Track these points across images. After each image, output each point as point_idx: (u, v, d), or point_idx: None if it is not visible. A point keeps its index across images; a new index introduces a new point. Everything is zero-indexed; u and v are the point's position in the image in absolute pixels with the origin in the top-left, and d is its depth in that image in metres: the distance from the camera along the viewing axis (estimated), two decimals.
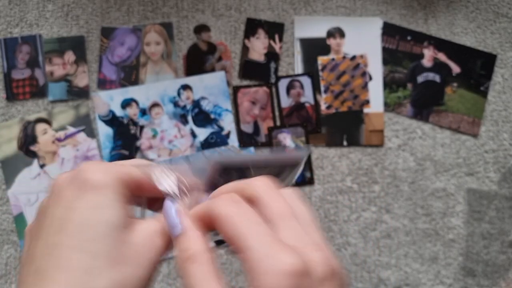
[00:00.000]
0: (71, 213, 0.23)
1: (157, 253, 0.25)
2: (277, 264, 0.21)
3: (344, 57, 0.85)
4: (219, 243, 0.27)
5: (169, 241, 0.25)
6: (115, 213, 0.23)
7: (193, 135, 0.82)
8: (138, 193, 0.26)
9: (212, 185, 0.29)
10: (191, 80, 0.83)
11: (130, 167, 0.26)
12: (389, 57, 0.85)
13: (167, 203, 0.26)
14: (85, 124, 0.82)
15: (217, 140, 0.82)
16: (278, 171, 0.31)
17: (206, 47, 0.84)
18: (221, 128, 0.83)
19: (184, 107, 0.83)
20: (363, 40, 0.85)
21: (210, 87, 0.83)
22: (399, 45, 0.85)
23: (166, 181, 0.27)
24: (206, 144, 0.82)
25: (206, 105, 0.83)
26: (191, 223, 0.25)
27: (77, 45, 0.83)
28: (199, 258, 0.23)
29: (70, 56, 0.83)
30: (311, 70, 0.84)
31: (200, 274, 0.23)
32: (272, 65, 0.84)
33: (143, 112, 0.82)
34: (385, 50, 0.85)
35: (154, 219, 0.26)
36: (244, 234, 0.22)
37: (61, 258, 0.22)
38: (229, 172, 0.30)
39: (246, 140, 0.82)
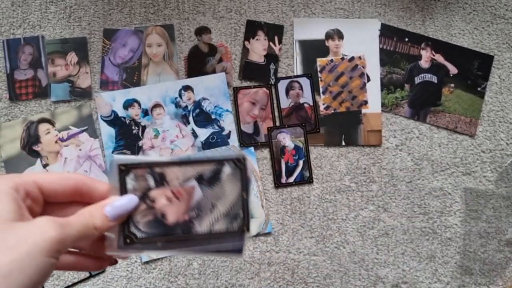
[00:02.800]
0: None
1: (40, 248, 0.27)
2: None
3: (342, 59, 0.85)
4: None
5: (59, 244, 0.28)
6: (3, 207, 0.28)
7: (194, 135, 0.83)
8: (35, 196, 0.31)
9: (124, 189, 0.33)
10: (192, 81, 0.83)
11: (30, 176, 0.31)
12: (387, 58, 0.86)
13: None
14: (87, 124, 0.82)
15: (217, 140, 0.83)
16: (198, 172, 0.34)
17: (207, 49, 0.85)
18: (222, 128, 0.83)
19: (185, 107, 0.83)
20: (361, 42, 0.86)
21: (211, 88, 0.83)
22: (397, 46, 0.86)
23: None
24: (207, 144, 0.82)
25: (207, 106, 0.83)
26: None
27: (79, 46, 0.83)
28: None
29: (72, 57, 0.83)
30: (310, 71, 0.85)
31: None
32: (272, 66, 0.85)
33: (145, 113, 0.83)
34: (383, 51, 0.86)
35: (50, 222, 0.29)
36: None
37: None
38: (141, 175, 0.33)
39: (246, 140, 0.83)
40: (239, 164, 0.34)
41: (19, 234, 0.27)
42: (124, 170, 0.33)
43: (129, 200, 0.32)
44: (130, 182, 0.33)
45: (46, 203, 0.32)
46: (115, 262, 0.37)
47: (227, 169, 0.34)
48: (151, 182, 0.33)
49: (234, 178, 0.34)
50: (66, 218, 0.29)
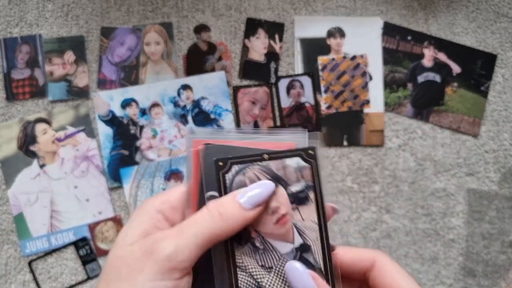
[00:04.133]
0: None
1: None
2: None
3: (344, 57, 0.85)
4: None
5: None
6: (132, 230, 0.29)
7: None
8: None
9: (210, 180, 0.28)
10: (191, 80, 0.83)
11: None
12: (389, 57, 0.85)
13: (293, 265, 0.28)
14: (85, 124, 0.82)
15: None
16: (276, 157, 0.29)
17: (206, 47, 0.84)
18: (221, 128, 0.83)
19: (184, 107, 0.83)
20: (363, 40, 0.85)
21: (210, 87, 0.83)
22: (399, 45, 0.85)
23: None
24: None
25: (206, 105, 0.83)
26: None
27: (77, 45, 0.83)
28: None
29: (70, 56, 0.83)
30: (311, 70, 0.84)
31: None
32: (272, 65, 0.84)
33: (143, 112, 0.82)
34: (385, 50, 0.85)
35: None
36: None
37: None
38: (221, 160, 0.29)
39: None
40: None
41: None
42: (222, 165, 0.28)
43: (266, 187, 0.28)
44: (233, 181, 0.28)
45: None
46: None
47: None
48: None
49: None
50: (184, 221, 0.27)
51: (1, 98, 0.82)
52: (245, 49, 0.84)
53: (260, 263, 0.28)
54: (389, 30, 0.85)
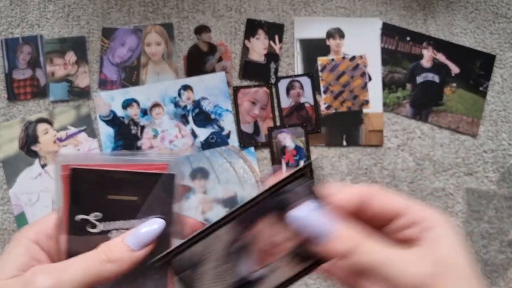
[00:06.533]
0: None
1: None
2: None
3: (343, 58, 0.85)
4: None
5: None
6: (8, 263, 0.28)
7: (194, 135, 0.82)
8: None
9: (76, 195, 0.29)
10: (191, 81, 0.83)
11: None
12: (389, 57, 0.85)
13: (303, 210, 0.28)
14: (86, 124, 0.82)
15: (217, 140, 0.82)
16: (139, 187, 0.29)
17: (206, 48, 0.84)
18: (222, 128, 0.83)
19: (184, 107, 0.83)
20: (363, 41, 0.85)
21: (210, 87, 0.83)
22: (399, 45, 0.86)
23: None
24: (207, 144, 0.82)
25: (206, 105, 0.83)
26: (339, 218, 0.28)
27: (78, 45, 0.83)
28: (368, 247, 0.26)
29: (71, 56, 0.83)
30: (310, 70, 0.85)
31: (383, 249, 0.26)
32: (272, 65, 0.84)
33: (144, 112, 0.82)
34: (384, 50, 0.85)
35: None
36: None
37: None
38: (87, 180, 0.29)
39: (246, 140, 0.83)
40: None
41: None
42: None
43: (154, 226, 0.28)
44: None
45: None
46: None
47: None
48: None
49: None
50: (70, 259, 0.27)
51: (2, 98, 0.82)
52: (245, 50, 0.85)
53: (224, 251, 0.28)
54: (388, 30, 0.86)
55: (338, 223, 0.27)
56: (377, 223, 0.29)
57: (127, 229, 0.29)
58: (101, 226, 0.30)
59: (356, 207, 0.29)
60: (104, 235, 0.29)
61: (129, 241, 0.28)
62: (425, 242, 0.27)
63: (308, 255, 0.28)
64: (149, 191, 0.29)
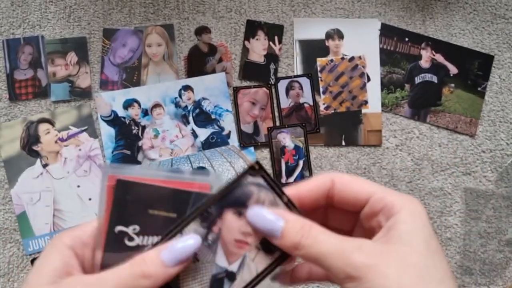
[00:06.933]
0: None
1: None
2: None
3: (342, 58, 0.85)
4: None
5: None
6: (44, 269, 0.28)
7: (194, 135, 0.83)
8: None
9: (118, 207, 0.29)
10: (192, 81, 0.83)
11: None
12: (387, 58, 0.86)
13: (255, 209, 0.29)
14: (87, 124, 0.82)
15: (217, 140, 0.83)
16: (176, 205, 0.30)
17: (206, 49, 0.85)
18: (222, 128, 0.83)
19: (185, 107, 0.83)
20: (362, 42, 0.85)
21: (210, 88, 0.83)
22: (397, 46, 0.86)
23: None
24: (207, 144, 0.82)
25: (207, 106, 0.83)
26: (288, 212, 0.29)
27: (79, 46, 0.83)
28: (313, 239, 0.27)
29: (72, 57, 0.83)
30: (310, 71, 0.85)
31: (326, 240, 0.26)
32: (272, 66, 0.85)
33: (145, 113, 0.82)
34: (383, 51, 0.86)
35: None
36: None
37: None
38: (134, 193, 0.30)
39: (246, 140, 0.83)
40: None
41: None
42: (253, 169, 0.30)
43: (191, 243, 0.28)
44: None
45: None
46: None
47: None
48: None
49: None
50: (104, 272, 0.27)
51: (4, 99, 0.82)
52: (245, 51, 0.85)
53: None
54: (387, 31, 0.86)
55: (286, 217, 0.28)
56: (353, 210, 0.30)
57: None
58: (138, 240, 0.29)
59: (324, 194, 0.30)
60: (141, 250, 0.29)
61: (164, 256, 0.27)
62: (381, 231, 0.27)
63: (273, 248, 0.29)
64: (185, 210, 0.30)
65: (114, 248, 0.29)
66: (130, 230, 0.29)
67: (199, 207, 0.29)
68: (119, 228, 0.29)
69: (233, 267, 0.29)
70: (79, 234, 0.30)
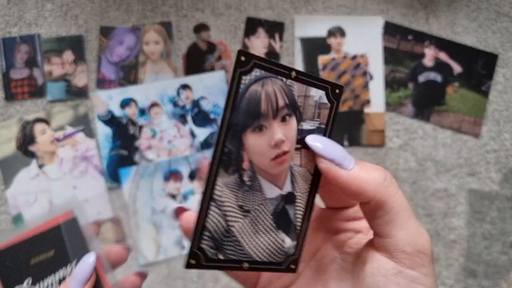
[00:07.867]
0: None
1: None
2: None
3: (344, 57, 0.85)
4: None
5: None
6: None
7: (193, 135, 0.82)
8: None
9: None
10: (190, 80, 0.83)
11: None
12: (390, 56, 0.85)
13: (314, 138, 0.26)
14: (84, 124, 0.81)
15: None
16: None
17: (205, 47, 0.84)
18: None
19: (183, 107, 0.83)
20: (364, 40, 0.85)
21: (209, 86, 0.83)
22: (400, 44, 0.85)
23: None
24: (206, 144, 0.82)
25: (205, 105, 0.83)
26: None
27: (76, 44, 0.83)
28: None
29: (69, 55, 0.83)
30: (311, 69, 0.84)
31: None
32: None
33: (142, 112, 0.82)
34: (386, 49, 0.85)
35: None
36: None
37: None
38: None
39: None
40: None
41: None
42: (243, 61, 0.23)
43: (85, 263, 0.31)
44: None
45: None
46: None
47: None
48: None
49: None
50: None
51: (0, 98, 0.82)
52: (245, 49, 0.84)
53: (238, 202, 0.24)
54: (390, 29, 0.85)
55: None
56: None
57: (63, 279, 0.33)
58: None
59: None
60: None
61: (71, 284, 0.30)
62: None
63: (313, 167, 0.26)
64: (62, 241, 0.34)
65: None
66: (25, 285, 0.33)
67: (214, 155, 0.24)
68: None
69: (287, 188, 0.25)
70: None
